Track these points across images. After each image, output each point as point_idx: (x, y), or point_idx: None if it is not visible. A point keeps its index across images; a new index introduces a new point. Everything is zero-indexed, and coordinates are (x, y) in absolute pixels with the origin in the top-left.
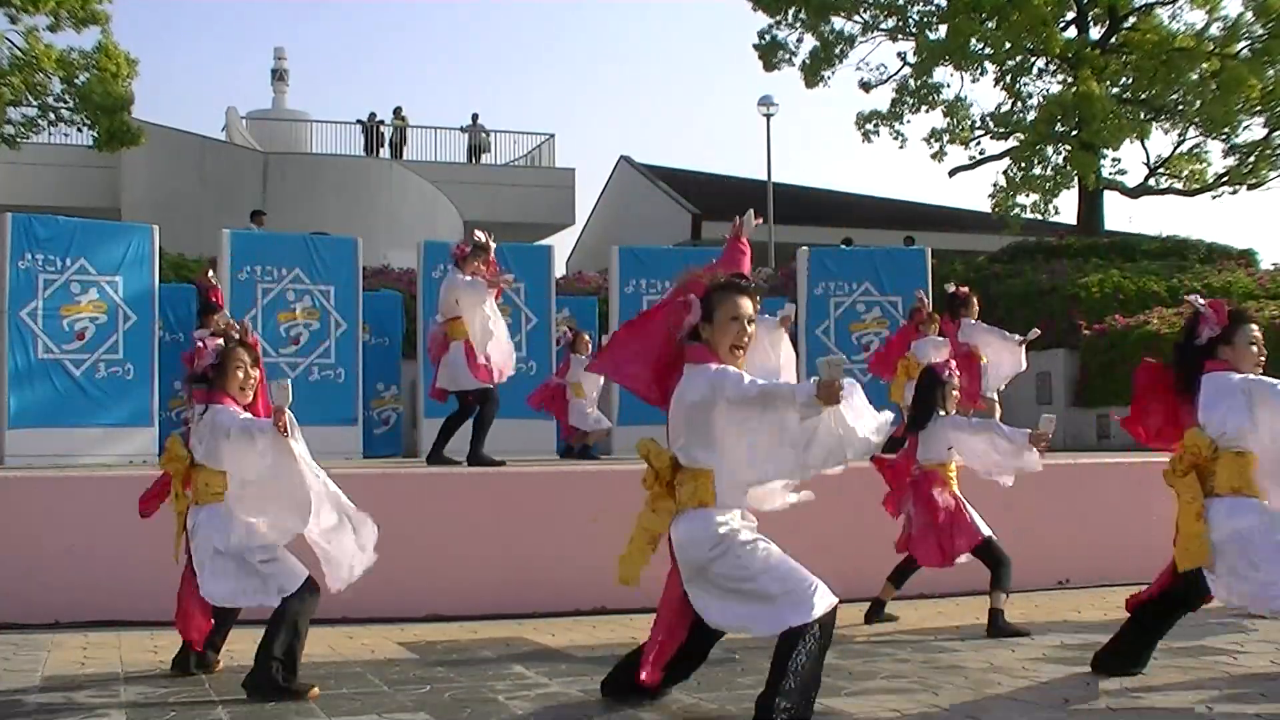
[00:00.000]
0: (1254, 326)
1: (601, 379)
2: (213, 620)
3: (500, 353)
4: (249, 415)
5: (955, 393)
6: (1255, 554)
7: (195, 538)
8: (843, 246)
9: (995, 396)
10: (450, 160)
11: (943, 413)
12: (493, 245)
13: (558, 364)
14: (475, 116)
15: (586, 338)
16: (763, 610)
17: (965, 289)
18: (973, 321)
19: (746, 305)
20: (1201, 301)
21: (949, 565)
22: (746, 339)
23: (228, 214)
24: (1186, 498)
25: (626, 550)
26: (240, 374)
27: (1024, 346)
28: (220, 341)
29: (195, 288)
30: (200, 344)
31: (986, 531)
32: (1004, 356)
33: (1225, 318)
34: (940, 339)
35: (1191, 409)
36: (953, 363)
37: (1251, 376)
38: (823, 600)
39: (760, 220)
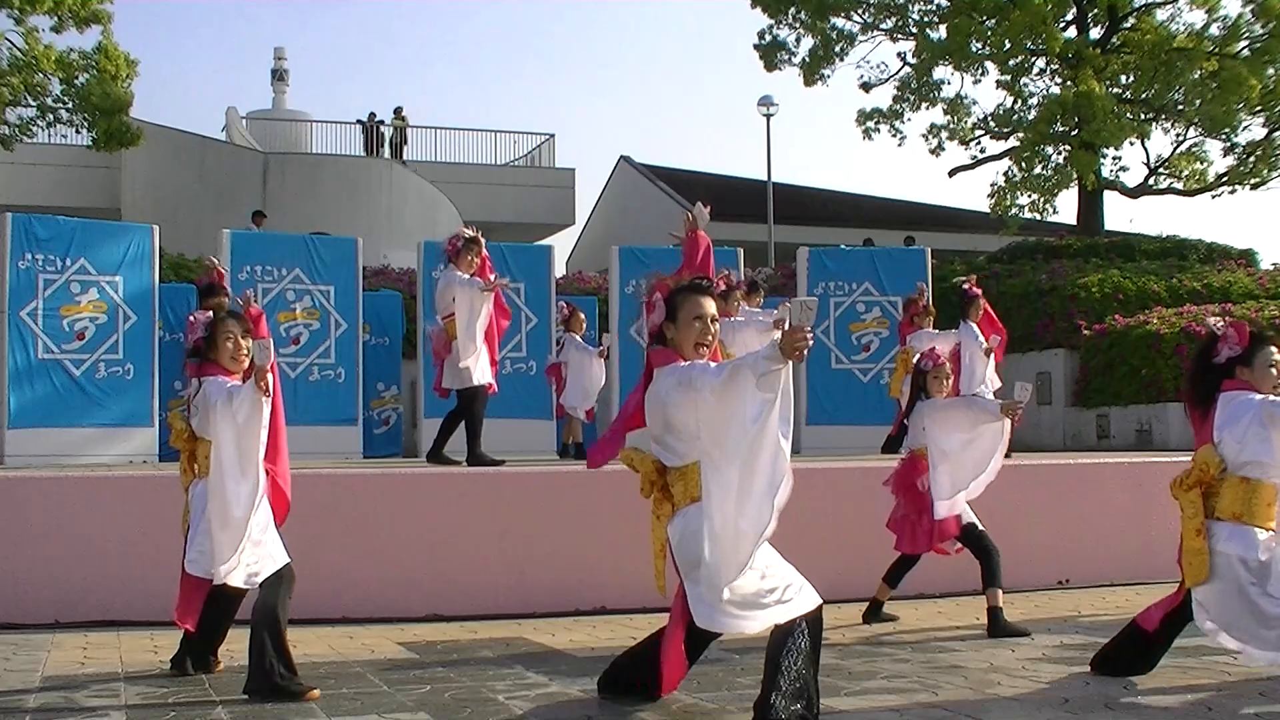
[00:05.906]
0: (1274, 349)
1: (600, 368)
2: (205, 606)
3: (481, 364)
4: (236, 383)
5: (946, 382)
6: (1258, 588)
7: (192, 510)
8: (843, 246)
9: (991, 395)
10: (450, 160)
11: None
12: (482, 239)
13: (559, 356)
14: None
15: (582, 316)
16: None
17: (974, 290)
18: (973, 326)
19: (709, 305)
20: (1221, 323)
21: (931, 551)
22: (710, 337)
23: (228, 214)
24: (1189, 513)
25: (654, 563)
26: (230, 344)
27: (990, 355)
28: (209, 314)
29: (195, 287)
30: (191, 319)
31: (971, 518)
32: (977, 362)
33: (1246, 339)
34: (934, 332)
35: (1205, 425)
36: (937, 349)
37: (1272, 398)
38: (808, 599)
39: (710, 208)
